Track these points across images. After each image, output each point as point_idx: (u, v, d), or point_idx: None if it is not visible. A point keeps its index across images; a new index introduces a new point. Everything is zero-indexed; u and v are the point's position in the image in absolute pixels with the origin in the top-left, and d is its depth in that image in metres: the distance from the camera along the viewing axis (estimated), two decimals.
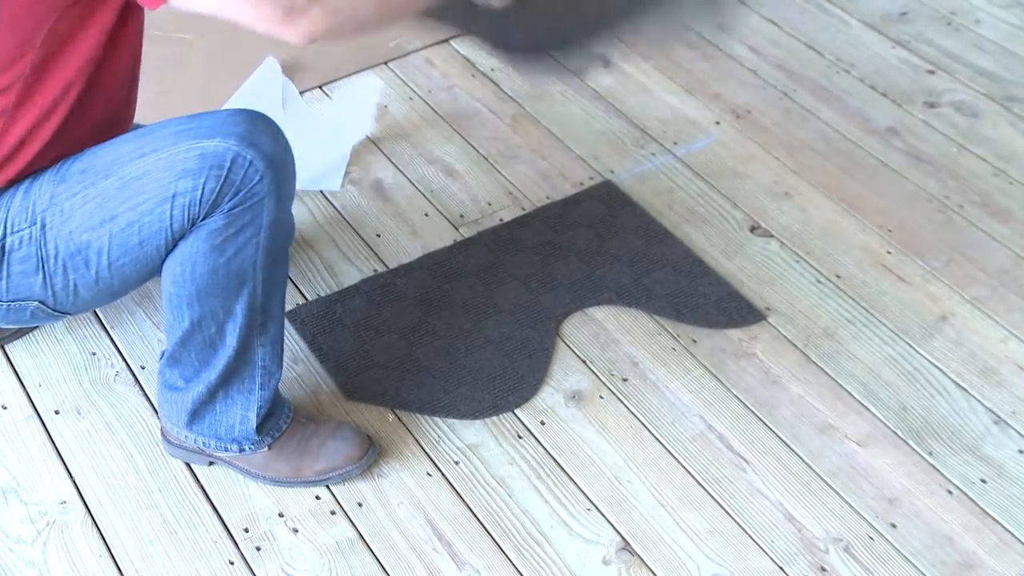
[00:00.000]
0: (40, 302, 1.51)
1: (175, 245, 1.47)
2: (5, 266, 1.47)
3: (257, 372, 1.58)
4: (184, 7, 1.35)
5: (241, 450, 1.64)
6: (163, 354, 1.63)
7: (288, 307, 1.93)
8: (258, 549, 1.62)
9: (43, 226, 1.45)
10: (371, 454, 1.67)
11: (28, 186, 1.46)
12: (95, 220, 1.44)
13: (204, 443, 1.65)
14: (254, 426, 1.61)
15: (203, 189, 1.42)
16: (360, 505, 1.67)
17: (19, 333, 1.88)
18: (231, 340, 1.54)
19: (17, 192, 1.46)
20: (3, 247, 1.46)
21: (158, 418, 1.72)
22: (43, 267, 1.47)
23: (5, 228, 1.46)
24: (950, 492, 1.70)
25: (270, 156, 1.44)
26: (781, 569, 1.60)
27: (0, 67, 1.40)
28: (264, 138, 1.44)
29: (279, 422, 1.64)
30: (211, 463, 1.69)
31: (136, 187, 1.43)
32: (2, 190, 1.46)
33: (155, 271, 1.51)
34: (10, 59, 1.40)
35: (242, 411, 1.60)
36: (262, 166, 1.43)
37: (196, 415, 1.62)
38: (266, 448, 1.64)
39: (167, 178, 1.42)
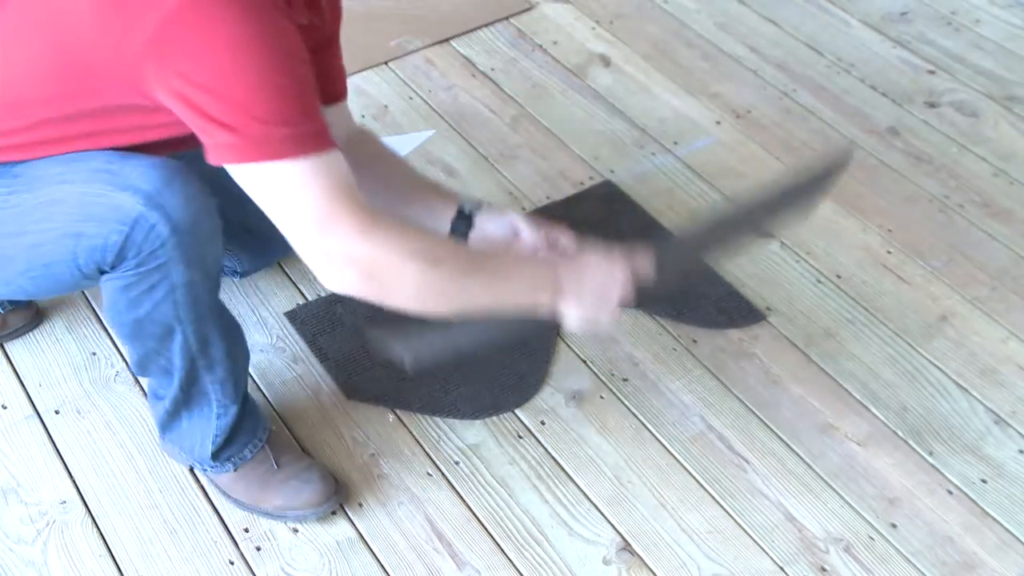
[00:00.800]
0: None
1: (91, 279, 1.44)
2: None
3: (213, 403, 1.57)
4: (248, 191, 1.28)
5: (203, 470, 1.65)
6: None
7: (288, 307, 1.93)
8: (258, 549, 1.62)
9: None
10: (332, 502, 1.63)
11: None
12: (8, 228, 1.42)
13: (178, 453, 1.66)
14: (209, 452, 1.60)
15: (107, 240, 1.37)
16: (360, 505, 1.67)
17: (18, 331, 1.88)
18: (179, 373, 1.53)
19: None
20: None
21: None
22: None
23: None
24: (950, 492, 1.70)
25: (176, 221, 1.34)
26: (781, 569, 1.60)
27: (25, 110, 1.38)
28: (174, 200, 1.34)
29: (242, 451, 1.62)
30: (191, 468, 1.69)
31: (48, 212, 1.39)
32: None
33: (79, 288, 1.49)
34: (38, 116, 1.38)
35: (201, 434, 1.60)
36: (165, 231, 1.35)
37: (167, 427, 1.62)
38: (230, 471, 1.63)
39: (76, 215, 1.37)
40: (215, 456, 1.61)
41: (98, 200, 1.36)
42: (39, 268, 1.44)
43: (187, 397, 1.57)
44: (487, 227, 1.56)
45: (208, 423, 1.59)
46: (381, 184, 1.56)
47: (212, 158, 1.28)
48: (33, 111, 1.39)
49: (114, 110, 1.36)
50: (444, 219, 1.56)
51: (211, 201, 1.38)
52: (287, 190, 1.25)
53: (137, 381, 1.83)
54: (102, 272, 1.42)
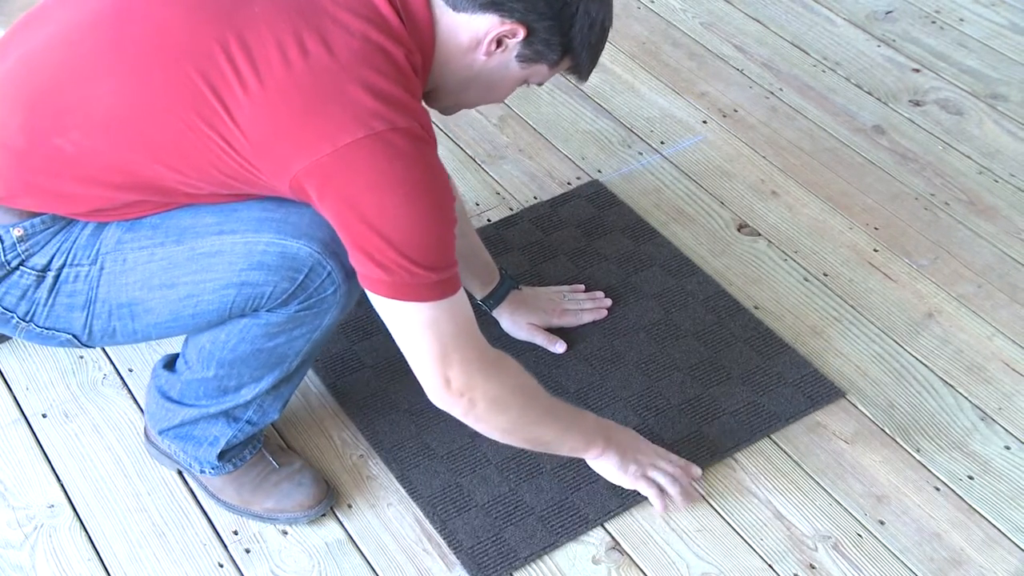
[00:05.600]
0: (74, 336, 1.46)
1: (233, 318, 1.44)
2: (54, 295, 1.42)
3: (251, 410, 1.57)
4: (378, 312, 1.38)
5: (201, 471, 1.63)
6: (167, 363, 1.61)
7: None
8: (247, 551, 1.62)
9: (101, 268, 1.40)
10: (323, 505, 1.63)
11: (97, 225, 1.41)
12: (155, 281, 1.40)
13: (174, 451, 1.64)
14: (218, 452, 1.59)
15: (275, 287, 1.39)
16: (350, 506, 1.67)
17: (4, 337, 1.87)
18: (245, 394, 1.53)
19: (89, 225, 1.40)
20: (58, 276, 1.41)
21: (143, 415, 1.71)
22: (89, 307, 1.42)
23: (66, 258, 1.40)
24: (937, 489, 1.71)
25: (348, 269, 1.39)
26: (770, 567, 1.61)
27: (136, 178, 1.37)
28: (344, 249, 1.38)
29: (243, 452, 1.62)
30: (179, 471, 1.68)
31: (206, 263, 1.39)
32: (70, 221, 1.41)
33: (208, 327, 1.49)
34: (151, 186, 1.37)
35: (215, 435, 1.58)
36: (339, 278, 1.41)
37: (173, 427, 1.61)
38: (229, 471, 1.62)
39: (241, 265, 1.38)
40: (220, 457, 1.60)
41: (268, 249, 1.38)
42: (183, 319, 1.43)
43: (230, 411, 1.56)
44: (502, 318, 1.86)
45: (230, 427, 1.57)
46: None
47: (359, 279, 1.36)
48: (171, 187, 1.37)
49: (257, 193, 1.39)
50: (477, 292, 1.83)
51: None
52: (422, 326, 1.36)
53: (125, 384, 1.83)
54: (254, 311, 1.43)
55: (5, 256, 1.39)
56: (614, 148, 2.30)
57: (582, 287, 1.96)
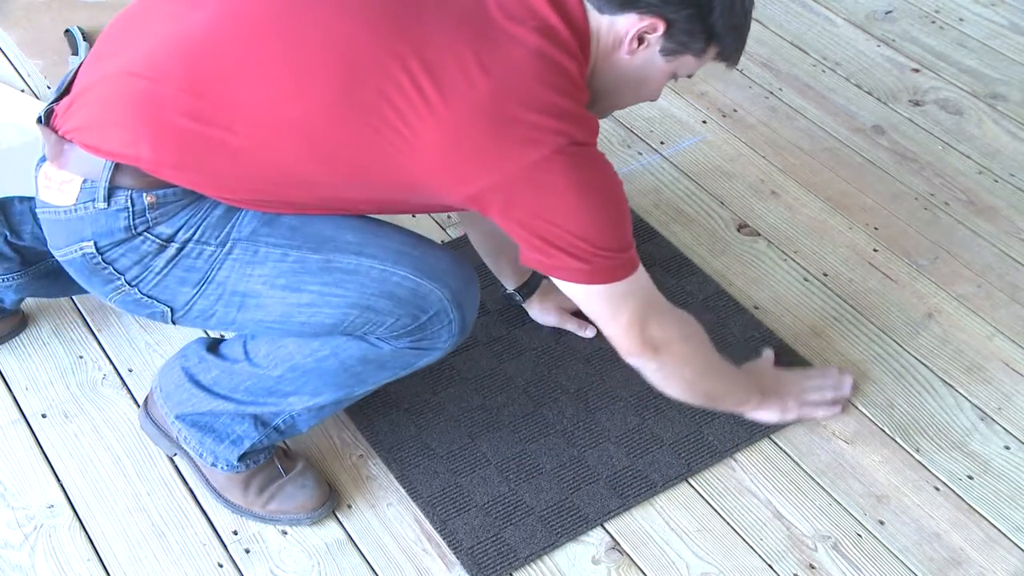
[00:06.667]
0: (171, 310, 1.46)
1: (334, 334, 1.46)
2: (171, 266, 1.41)
3: (282, 416, 1.56)
4: (575, 298, 1.47)
5: (214, 464, 1.60)
6: (210, 346, 1.58)
7: None
8: (247, 551, 1.62)
9: (229, 253, 1.40)
10: (326, 507, 1.63)
11: (230, 209, 1.41)
12: (280, 280, 1.41)
13: (186, 438, 1.59)
14: (241, 453, 1.58)
15: (397, 319, 1.43)
16: (349, 506, 1.67)
17: (4, 338, 1.87)
18: (293, 403, 1.53)
19: (220, 206, 1.41)
20: (181, 249, 1.40)
21: (150, 391, 1.65)
22: (202, 286, 1.42)
23: (193, 233, 1.40)
24: (937, 489, 1.71)
25: (467, 323, 1.49)
26: (770, 567, 1.61)
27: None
28: (471, 304, 1.49)
29: (259, 456, 1.61)
30: (175, 455, 1.67)
31: (338, 279, 1.41)
32: (202, 197, 1.41)
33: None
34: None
35: (240, 434, 1.56)
36: (457, 330, 1.48)
37: (200, 415, 1.57)
38: (241, 471, 1.61)
39: (372, 290, 1.41)
40: (241, 458, 1.59)
41: (403, 283, 1.41)
42: (292, 323, 1.44)
43: (260, 415, 1.55)
44: (531, 307, 1.90)
45: (257, 429, 1.56)
46: (489, 232, 1.80)
47: (544, 268, 1.43)
48: (320, 192, 1.39)
49: (416, 204, 1.46)
50: (510, 284, 1.88)
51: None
52: (622, 298, 1.47)
53: (125, 384, 1.83)
54: (360, 334, 1.45)
55: (133, 220, 1.38)
56: (614, 148, 2.30)
57: None
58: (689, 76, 1.50)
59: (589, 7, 1.40)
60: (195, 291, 1.43)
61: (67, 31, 2.53)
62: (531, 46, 1.34)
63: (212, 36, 1.37)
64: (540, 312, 1.89)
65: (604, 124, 2.34)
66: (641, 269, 1.48)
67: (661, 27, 1.40)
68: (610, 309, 1.48)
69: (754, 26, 2.67)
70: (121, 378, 1.84)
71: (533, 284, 1.88)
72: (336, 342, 1.47)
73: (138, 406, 1.79)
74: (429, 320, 1.45)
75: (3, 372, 1.85)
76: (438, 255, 1.46)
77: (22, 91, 2.40)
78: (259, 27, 1.36)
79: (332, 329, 1.45)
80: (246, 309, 1.44)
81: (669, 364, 1.56)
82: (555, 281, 1.46)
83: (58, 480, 1.70)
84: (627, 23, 1.40)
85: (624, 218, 1.44)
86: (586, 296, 1.46)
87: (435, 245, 1.47)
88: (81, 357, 1.87)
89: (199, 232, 1.40)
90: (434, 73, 1.31)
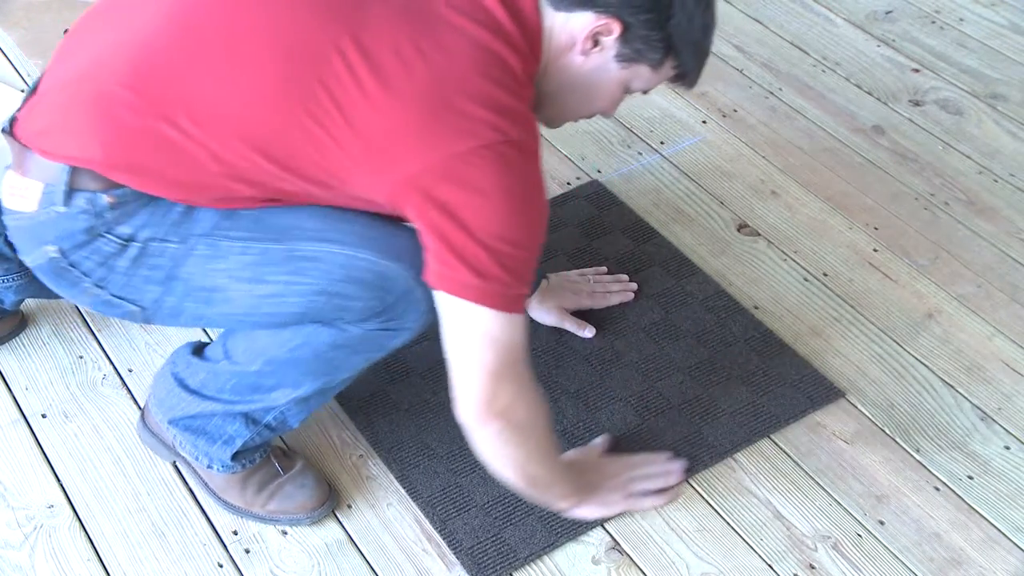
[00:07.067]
0: (141, 308, 1.46)
1: (304, 323, 1.45)
2: (135, 266, 1.41)
3: (272, 413, 1.56)
4: (447, 319, 1.37)
5: (209, 466, 1.61)
6: (195, 350, 1.58)
7: None
8: (247, 551, 1.62)
9: (192, 249, 1.40)
10: (326, 507, 1.63)
11: (189, 207, 1.40)
12: (243, 274, 1.40)
13: (181, 443, 1.61)
14: (232, 452, 1.58)
15: (364, 303, 1.40)
16: (349, 506, 1.67)
17: (4, 339, 1.87)
18: (277, 397, 1.53)
19: (179, 204, 1.40)
20: (144, 248, 1.40)
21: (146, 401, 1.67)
22: (168, 284, 1.42)
23: (155, 231, 1.40)
24: (937, 489, 1.71)
25: (431, 300, 1.40)
26: (770, 567, 1.61)
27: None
28: None
29: (255, 456, 1.61)
30: (175, 462, 1.67)
31: (300, 267, 1.39)
32: (159, 199, 1.41)
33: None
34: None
35: (231, 434, 1.57)
36: (424, 307, 1.42)
37: (191, 418, 1.58)
38: (237, 471, 1.61)
39: (336, 275, 1.39)
40: (234, 457, 1.59)
41: (366, 266, 1.39)
42: (259, 315, 1.43)
43: (253, 411, 1.55)
44: (531, 307, 1.84)
45: (248, 428, 1.56)
46: None
47: (435, 281, 1.35)
48: (265, 182, 1.38)
49: (347, 196, 1.39)
50: None
51: None
52: (489, 336, 1.35)
53: (124, 384, 1.83)
54: (328, 326, 1.43)
55: (93, 222, 1.38)
56: (614, 148, 2.30)
57: (604, 269, 1.98)
58: (645, 92, 1.46)
59: (544, 4, 1.37)
60: (162, 289, 1.43)
61: (67, 31, 2.53)
62: (474, 38, 1.32)
63: (159, 34, 1.37)
64: (539, 311, 1.89)
65: (604, 124, 2.35)
66: (525, 319, 1.39)
67: (617, 29, 1.36)
68: (471, 343, 1.37)
69: (754, 26, 2.68)
70: (121, 378, 1.84)
71: (533, 285, 1.88)
72: (307, 331, 1.46)
73: (138, 406, 1.79)
74: (396, 301, 1.42)
75: (3, 372, 1.85)
76: (400, 235, 1.42)
77: (22, 91, 2.40)
78: (205, 22, 1.37)
79: (301, 318, 1.43)
80: (213, 304, 1.43)
81: (505, 436, 1.42)
82: (436, 299, 1.37)
83: (58, 480, 1.70)
84: (583, 22, 1.36)
85: (535, 244, 1.36)
86: (457, 318, 1.36)
87: (398, 226, 1.42)
88: (81, 357, 1.87)
89: (160, 230, 1.40)
90: (373, 60, 1.29)
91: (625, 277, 1.98)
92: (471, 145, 1.28)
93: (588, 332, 1.87)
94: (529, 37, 1.36)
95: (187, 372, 1.57)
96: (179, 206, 1.40)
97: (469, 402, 1.40)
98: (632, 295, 1.95)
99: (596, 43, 1.38)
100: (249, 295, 1.42)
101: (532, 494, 1.56)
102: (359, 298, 1.41)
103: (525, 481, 1.51)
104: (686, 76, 1.45)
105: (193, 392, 1.56)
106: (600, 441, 1.71)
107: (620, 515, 1.65)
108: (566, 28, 1.37)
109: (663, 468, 1.67)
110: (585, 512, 1.61)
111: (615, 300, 1.93)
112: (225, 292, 1.42)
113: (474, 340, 1.36)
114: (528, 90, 1.36)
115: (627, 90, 1.45)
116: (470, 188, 1.30)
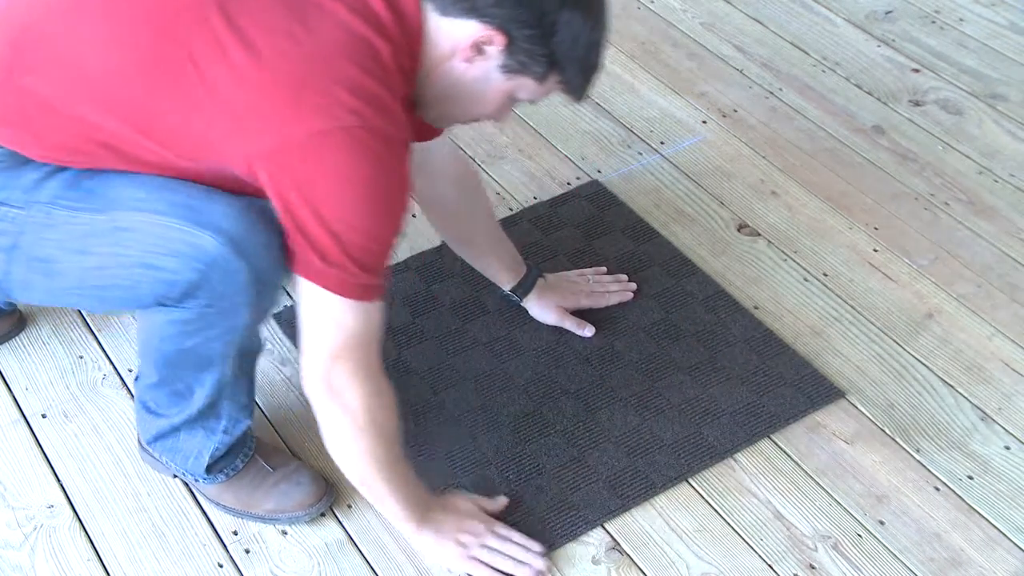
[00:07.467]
0: None
1: (141, 307, 1.43)
2: None
3: (223, 420, 1.57)
4: (298, 296, 1.38)
5: (195, 480, 1.63)
6: (136, 377, 1.61)
7: (276, 309, 1.92)
8: (247, 551, 1.62)
9: (29, 217, 1.38)
10: (324, 502, 1.63)
11: (47, 173, 1.39)
12: (71, 245, 1.38)
13: (165, 462, 1.64)
14: (204, 466, 1.59)
15: (181, 276, 1.36)
16: (349, 507, 1.67)
17: (2, 339, 1.87)
18: (199, 398, 1.53)
19: (42, 170, 1.38)
20: None
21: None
22: (11, 252, 1.39)
23: (6, 196, 1.38)
24: (937, 489, 1.71)
25: (256, 268, 1.36)
26: (770, 567, 1.61)
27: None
28: (258, 247, 1.35)
29: (235, 461, 1.62)
30: (175, 476, 1.68)
31: (121, 238, 1.37)
32: (26, 162, 1.39)
33: (120, 312, 1.48)
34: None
35: (199, 448, 1.58)
36: (244, 278, 1.36)
37: (160, 437, 1.61)
38: (222, 481, 1.62)
39: (152, 247, 1.36)
40: (209, 469, 1.60)
41: (180, 236, 1.35)
42: (89, 289, 1.41)
43: (198, 418, 1.56)
44: (531, 306, 1.90)
45: (211, 438, 1.58)
46: (467, 227, 1.83)
47: (290, 258, 1.36)
48: (127, 150, 1.37)
49: (211, 172, 1.37)
50: (505, 283, 1.89)
51: (284, 248, 1.37)
52: (332, 319, 1.36)
53: (125, 384, 1.83)
54: (160, 305, 1.41)
55: None
56: (614, 148, 2.30)
57: (604, 269, 1.99)
58: (532, 102, 1.45)
59: (429, 6, 1.36)
60: (7, 257, 1.40)
61: None
62: (346, 24, 1.31)
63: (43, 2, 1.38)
64: (539, 310, 1.90)
65: (604, 124, 2.35)
66: (376, 307, 1.38)
67: (501, 41, 1.34)
68: (316, 322, 1.38)
69: (754, 26, 2.68)
70: (121, 378, 1.84)
71: (528, 283, 1.89)
72: (156, 326, 1.45)
73: None
74: (211, 271, 1.35)
75: (3, 372, 1.85)
76: (221, 202, 1.36)
77: None
78: None
79: (135, 295, 1.40)
80: (52, 277, 1.41)
81: (340, 421, 1.42)
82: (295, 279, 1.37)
83: (58, 480, 1.70)
84: (467, 30, 1.35)
85: (388, 237, 1.36)
86: (305, 298, 1.37)
87: (228, 196, 1.37)
88: (81, 357, 1.87)
89: (10, 194, 1.38)
90: (242, 36, 1.29)
91: (624, 277, 1.98)
92: (329, 126, 1.27)
93: (588, 331, 1.88)
94: (407, 33, 1.35)
95: (143, 395, 1.60)
96: (35, 172, 1.38)
97: (308, 378, 1.41)
98: (631, 295, 1.95)
99: (480, 52, 1.37)
100: (78, 268, 1.39)
101: (369, 499, 1.54)
102: (175, 270, 1.36)
103: (358, 480, 1.50)
104: (572, 90, 1.44)
105: (151, 412, 1.60)
106: (498, 500, 1.64)
107: (620, 508, 1.65)
108: (450, 34, 1.36)
109: (523, 555, 1.58)
110: (417, 543, 1.58)
111: (614, 300, 1.94)
112: (57, 264, 1.39)
113: (319, 320, 1.37)
114: (398, 81, 1.34)
115: (513, 99, 1.44)
116: (322, 169, 1.29)
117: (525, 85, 1.41)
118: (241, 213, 1.35)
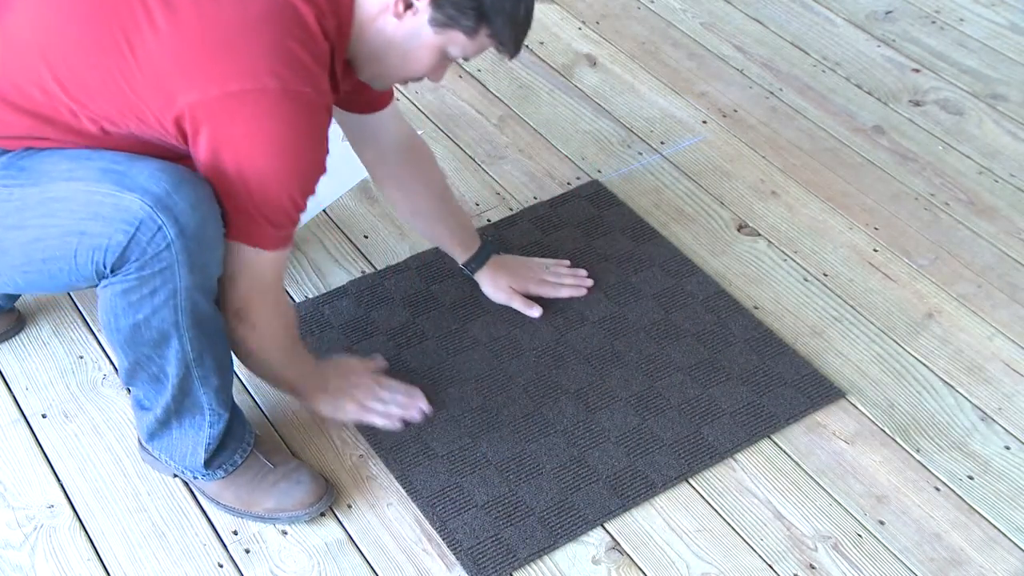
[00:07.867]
0: None
1: (87, 280, 1.44)
2: None
3: (205, 412, 1.57)
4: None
5: (195, 477, 1.63)
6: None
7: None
8: (247, 551, 1.62)
9: None
10: (324, 502, 1.64)
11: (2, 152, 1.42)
12: (8, 221, 1.41)
13: (164, 460, 1.64)
14: (201, 461, 1.60)
15: (110, 240, 1.38)
16: (349, 506, 1.67)
17: (3, 336, 1.87)
18: (171, 377, 1.53)
19: None
20: None
21: None
22: None
23: None
24: (937, 489, 1.71)
25: (183, 225, 1.38)
26: (770, 567, 1.61)
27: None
28: (183, 204, 1.37)
29: (233, 456, 1.62)
30: (175, 475, 1.68)
31: (52, 208, 1.39)
32: None
33: (72, 288, 1.51)
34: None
35: (192, 443, 1.59)
36: (171, 233, 1.38)
37: (155, 435, 1.61)
38: (221, 477, 1.62)
39: (81, 213, 1.38)
40: (207, 464, 1.60)
41: (105, 200, 1.38)
42: (36, 263, 1.43)
43: (179, 407, 1.56)
44: (483, 281, 1.93)
45: (200, 432, 1.58)
46: (419, 199, 1.85)
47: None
48: (66, 121, 1.41)
49: (146, 136, 1.42)
50: (459, 256, 1.92)
51: (217, 207, 1.42)
52: (242, 264, 1.48)
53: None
54: (100, 276, 1.42)
55: None
56: (614, 148, 2.30)
57: (567, 262, 1.99)
58: (466, 59, 1.48)
59: None
60: None
61: None
62: None
63: None
64: (492, 288, 1.92)
65: (604, 124, 2.35)
66: (284, 256, 1.51)
67: None
68: (232, 265, 1.48)
69: (754, 26, 2.68)
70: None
71: (481, 258, 1.91)
72: (106, 303, 1.45)
73: None
74: (139, 232, 1.37)
75: (3, 372, 1.85)
76: (144, 165, 1.40)
77: None
78: None
79: (76, 265, 1.41)
80: None
81: (242, 334, 1.56)
82: None
83: (58, 480, 1.70)
84: None
85: (296, 196, 1.43)
86: (226, 246, 1.47)
87: (151, 160, 1.41)
88: (81, 357, 1.87)
89: None
90: (169, 2, 1.35)
91: (583, 272, 1.98)
92: (247, 86, 1.34)
93: (535, 312, 1.90)
94: None
95: (135, 393, 1.61)
96: None
97: (226, 311, 1.53)
98: (585, 291, 1.95)
99: (409, 6, 1.41)
100: (18, 244, 1.42)
101: (268, 381, 1.68)
102: (104, 234, 1.38)
103: (258, 368, 1.64)
104: (503, 44, 1.46)
105: (144, 408, 1.60)
106: (376, 359, 1.81)
107: (620, 508, 1.64)
108: None
109: (409, 399, 1.75)
110: (319, 409, 1.72)
111: (565, 293, 1.94)
112: (1, 243, 1.43)
113: (232, 259, 1.48)
114: (322, 46, 1.40)
115: (446, 56, 1.48)
116: (239, 128, 1.35)
117: (456, 39, 1.44)
118: (166, 174, 1.39)
